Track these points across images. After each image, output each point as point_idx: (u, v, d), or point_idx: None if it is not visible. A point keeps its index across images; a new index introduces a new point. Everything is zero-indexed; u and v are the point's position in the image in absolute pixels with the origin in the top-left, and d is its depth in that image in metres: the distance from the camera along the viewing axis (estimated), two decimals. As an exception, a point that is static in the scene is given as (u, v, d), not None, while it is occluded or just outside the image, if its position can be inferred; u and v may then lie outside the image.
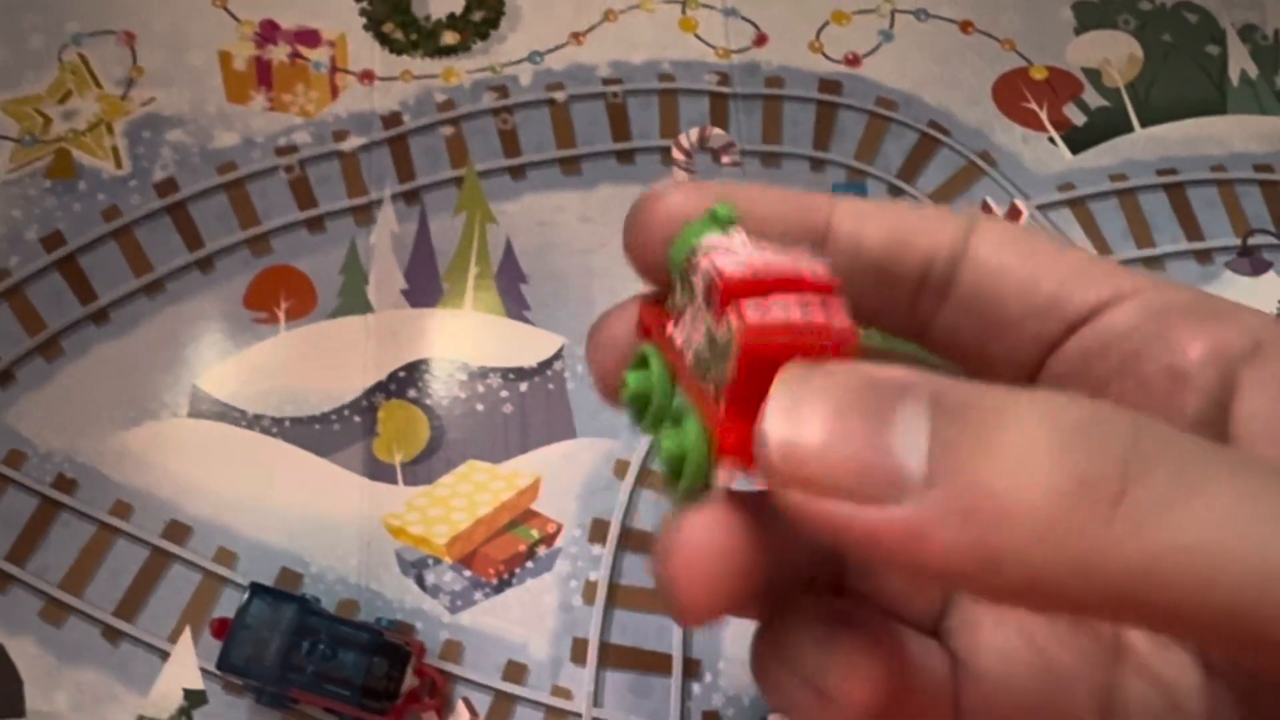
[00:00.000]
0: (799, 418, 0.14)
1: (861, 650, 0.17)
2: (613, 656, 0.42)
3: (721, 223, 0.17)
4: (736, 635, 0.42)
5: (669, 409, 0.17)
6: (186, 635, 0.41)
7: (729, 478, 0.16)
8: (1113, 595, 0.13)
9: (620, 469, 0.45)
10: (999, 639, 0.19)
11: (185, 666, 0.41)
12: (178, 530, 0.43)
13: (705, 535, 0.16)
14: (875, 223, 0.18)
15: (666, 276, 0.17)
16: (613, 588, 0.43)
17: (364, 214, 0.49)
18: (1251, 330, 0.17)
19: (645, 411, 0.17)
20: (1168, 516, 0.13)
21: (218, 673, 0.39)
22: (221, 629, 0.39)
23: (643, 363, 0.18)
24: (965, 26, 0.54)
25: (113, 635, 0.41)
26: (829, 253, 0.18)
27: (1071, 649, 0.19)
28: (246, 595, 0.39)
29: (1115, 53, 0.54)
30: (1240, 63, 0.53)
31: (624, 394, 0.18)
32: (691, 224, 0.17)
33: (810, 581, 0.19)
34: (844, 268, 0.18)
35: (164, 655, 0.41)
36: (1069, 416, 0.13)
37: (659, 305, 0.18)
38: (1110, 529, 0.13)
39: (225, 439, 0.45)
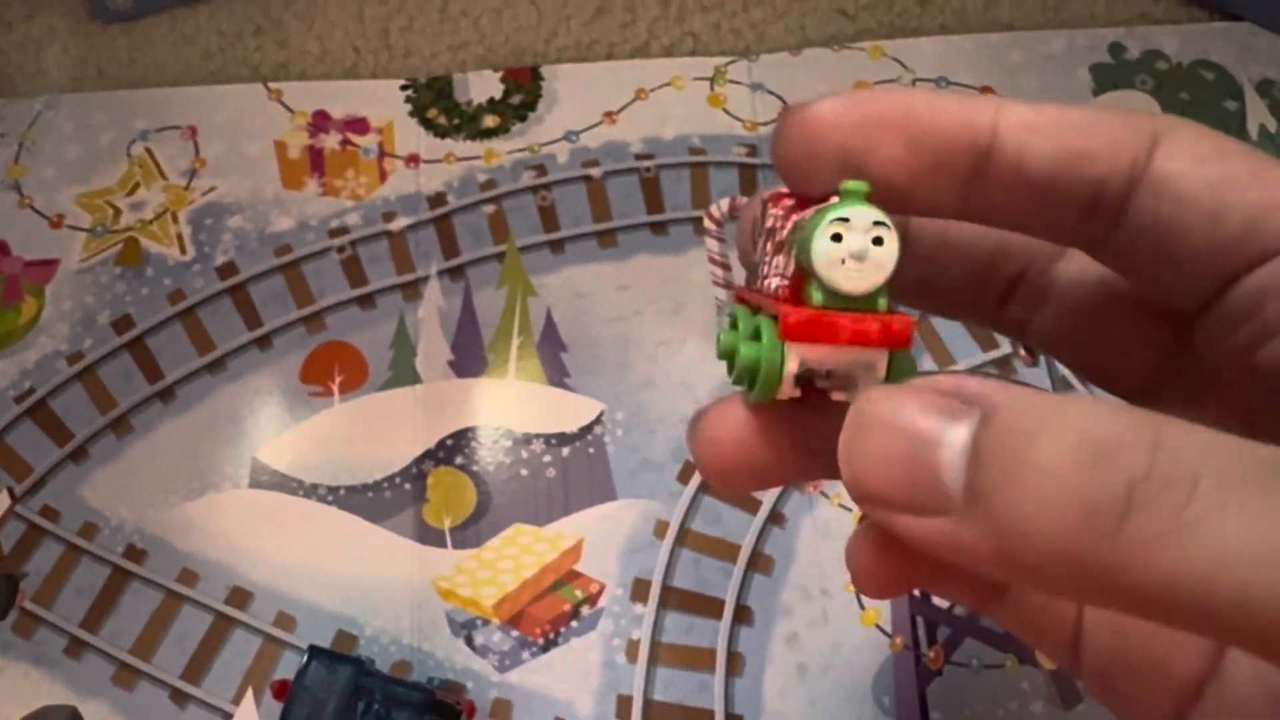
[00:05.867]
0: (864, 450, 0.16)
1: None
2: (656, 712, 0.43)
3: (854, 196, 0.17)
4: (778, 690, 0.43)
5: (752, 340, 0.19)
6: (249, 697, 0.43)
7: (794, 390, 0.18)
8: (1123, 604, 0.14)
9: (660, 529, 0.46)
10: None
11: (248, 727, 0.43)
12: (240, 596, 0.45)
13: (727, 426, 0.19)
14: (1043, 139, 0.17)
15: (811, 185, 0.18)
16: (655, 645, 0.44)
17: (412, 290, 0.51)
18: None
19: (734, 365, 0.19)
20: (1170, 539, 0.14)
21: (278, 733, 0.41)
22: (282, 690, 0.41)
23: (734, 325, 0.20)
24: (984, 91, 0.56)
25: (180, 698, 0.43)
26: (992, 168, 0.18)
27: None
28: (305, 657, 0.41)
29: (1134, 112, 0.55)
30: (1259, 117, 0.54)
31: (718, 350, 0.19)
32: (822, 208, 0.17)
33: None
34: (1005, 187, 0.18)
35: (228, 716, 0.43)
36: (1096, 437, 0.14)
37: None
38: (1114, 551, 0.14)
39: (283, 508, 0.47)
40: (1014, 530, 0.15)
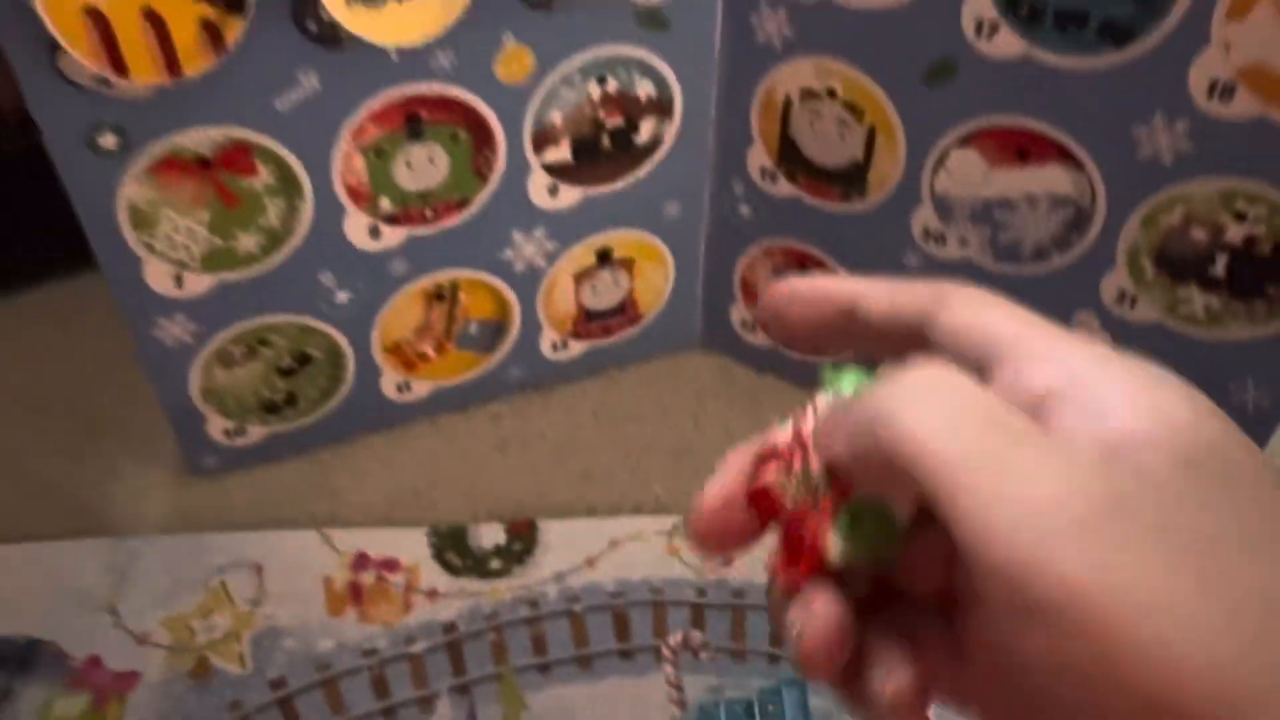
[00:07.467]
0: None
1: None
2: None
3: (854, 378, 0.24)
4: None
5: None
6: None
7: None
8: None
9: None
10: None
11: None
12: None
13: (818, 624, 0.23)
14: (878, 301, 0.25)
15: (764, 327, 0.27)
16: None
17: (426, 705, 0.63)
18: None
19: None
20: None
21: None
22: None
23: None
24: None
25: None
26: (856, 317, 0.25)
27: None
28: None
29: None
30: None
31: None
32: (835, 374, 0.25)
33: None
34: (864, 329, 0.25)
35: None
36: None
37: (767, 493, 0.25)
38: None
39: None
40: None
